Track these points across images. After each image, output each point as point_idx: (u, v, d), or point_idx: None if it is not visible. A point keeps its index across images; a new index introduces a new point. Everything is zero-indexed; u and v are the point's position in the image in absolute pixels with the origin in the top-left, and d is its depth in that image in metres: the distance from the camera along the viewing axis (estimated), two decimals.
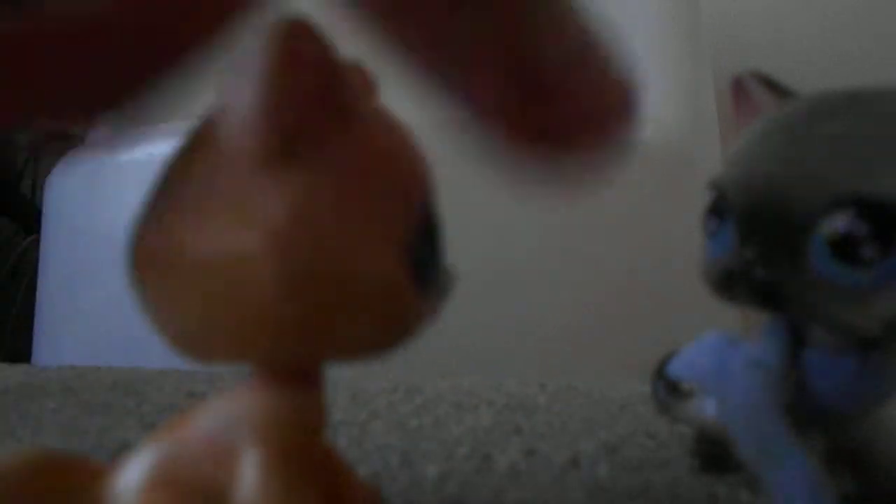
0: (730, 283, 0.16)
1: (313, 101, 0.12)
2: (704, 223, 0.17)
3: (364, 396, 0.30)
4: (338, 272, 0.12)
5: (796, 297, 0.15)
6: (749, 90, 0.18)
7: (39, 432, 0.25)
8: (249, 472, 0.13)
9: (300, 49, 0.12)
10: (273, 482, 0.13)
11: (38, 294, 0.87)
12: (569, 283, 0.74)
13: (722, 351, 0.18)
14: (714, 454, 0.20)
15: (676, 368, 0.20)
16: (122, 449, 0.23)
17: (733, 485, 0.19)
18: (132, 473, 0.15)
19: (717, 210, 0.16)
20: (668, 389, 0.20)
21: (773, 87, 0.18)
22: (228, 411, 0.14)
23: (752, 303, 0.16)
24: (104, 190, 0.75)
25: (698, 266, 0.17)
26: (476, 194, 0.69)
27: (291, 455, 0.13)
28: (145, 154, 0.66)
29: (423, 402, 0.29)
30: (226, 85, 0.12)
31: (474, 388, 0.32)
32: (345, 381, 0.32)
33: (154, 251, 0.13)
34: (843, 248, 0.14)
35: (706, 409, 0.18)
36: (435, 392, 0.31)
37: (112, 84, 0.12)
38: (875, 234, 0.14)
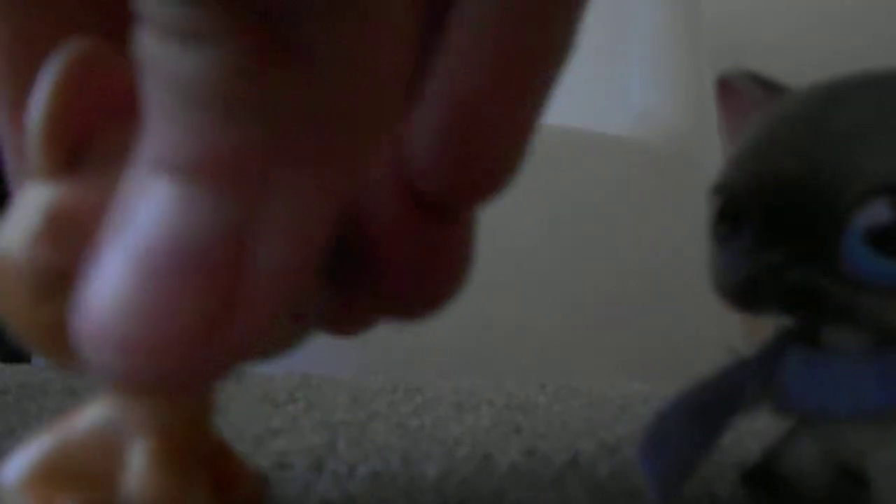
0: (754, 290, 0.15)
1: (99, 115, 0.13)
2: (713, 231, 0.16)
3: (364, 396, 0.30)
4: None
5: (832, 297, 0.14)
6: (738, 88, 0.17)
7: (40, 432, 0.25)
8: (137, 461, 0.14)
9: (82, 69, 0.12)
10: (160, 469, 0.14)
11: None
12: (569, 283, 0.74)
13: None
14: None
15: None
16: None
17: (734, 485, 0.19)
18: (15, 467, 0.15)
19: (729, 215, 0.15)
20: None
21: (763, 83, 0.17)
22: (113, 404, 0.14)
23: (780, 309, 0.15)
24: None
25: (710, 278, 0.16)
26: None
27: (177, 442, 0.14)
28: None
29: (423, 402, 0.29)
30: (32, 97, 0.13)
31: (474, 388, 0.32)
32: (345, 381, 0.32)
33: None
34: (882, 240, 0.13)
35: None
36: (435, 392, 0.31)
37: None
38: None
